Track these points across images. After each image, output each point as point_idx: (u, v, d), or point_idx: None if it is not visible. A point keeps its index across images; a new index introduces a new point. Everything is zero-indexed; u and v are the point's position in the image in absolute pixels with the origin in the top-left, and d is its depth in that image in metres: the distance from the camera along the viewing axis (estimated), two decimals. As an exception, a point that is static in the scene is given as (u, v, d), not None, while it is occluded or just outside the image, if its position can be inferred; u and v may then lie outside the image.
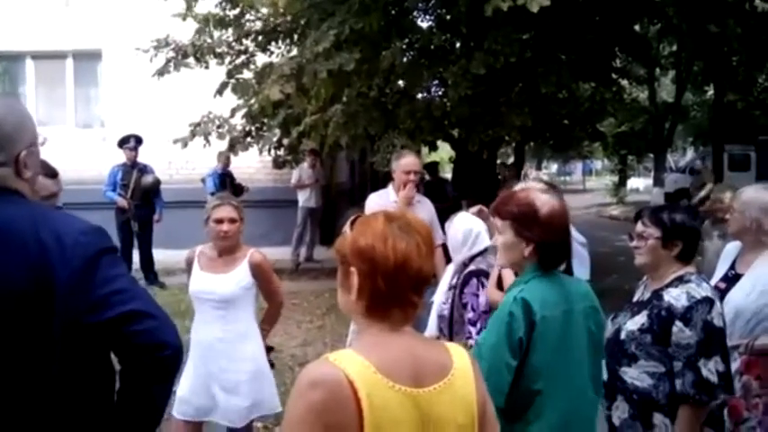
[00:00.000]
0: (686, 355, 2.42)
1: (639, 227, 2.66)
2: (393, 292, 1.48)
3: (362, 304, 1.51)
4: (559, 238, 2.29)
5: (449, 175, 15.01)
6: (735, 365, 2.90)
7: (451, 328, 3.49)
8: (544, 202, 2.30)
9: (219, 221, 3.40)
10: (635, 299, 2.74)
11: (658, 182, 18.08)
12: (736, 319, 2.93)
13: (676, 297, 2.48)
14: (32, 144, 1.69)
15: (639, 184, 34.90)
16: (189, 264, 3.56)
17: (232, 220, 3.41)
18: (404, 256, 1.48)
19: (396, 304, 1.49)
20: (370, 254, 1.49)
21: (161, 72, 9.23)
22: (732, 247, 3.34)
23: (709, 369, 2.40)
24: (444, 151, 16.56)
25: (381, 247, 1.48)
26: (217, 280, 3.41)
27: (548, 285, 2.26)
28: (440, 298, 3.65)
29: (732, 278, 3.17)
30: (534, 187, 2.79)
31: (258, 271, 3.48)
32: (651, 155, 26.69)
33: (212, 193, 9.90)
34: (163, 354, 1.57)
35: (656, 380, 2.48)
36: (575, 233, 4.14)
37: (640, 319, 2.55)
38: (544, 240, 2.24)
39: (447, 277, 3.70)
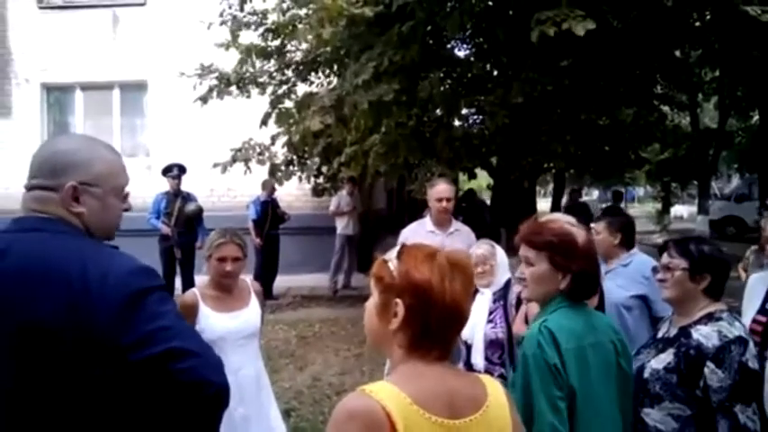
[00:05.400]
0: (719, 399, 2.21)
1: (665, 258, 2.48)
2: (441, 331, 1.46)
3: (405, 338, 1.48)
4: (595, 268, 2.20)
5: (487, 200, 14.93)
6: None
7: (512, 348, 3.52)
8: (578, 231, 2.20)
9: (223, 260, 3.22)
10: (659, 335, 2.54)
11: (702, 209, 17.64)
12: None
13: (706, 336, 2.28)
14: (96, 185, 1.64)
15: (683, 211, 34.12)
16: (191, 308, 3.19)
17: (236, 259, 3.24)
18: (459, 297, 1.46)
19: (440, 343, 1.48)
20: (425, 290, 1.44)
21: (204, 99, 9.43)
22: (757, 280, 3.25)
23: (747, 415, 2.20)
24: (482, 178, 16.50)
25: (439, 285, 1.44)
26: (243, 316, 3.30)
27: (574, 317, 2.12)
28: (482, 326, 3.62)
29: None
30: (560, 218, 2.59)
31: (259, 298, 3.48)
32: (695, 182, 26.16)
33: (254, 220, 10.05)
34: (207, 392, 1.52)
35: (681, 424, 2.28)
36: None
37: (666, 358, 2.35)
38: (584, 270, 2.13)
39: (483, 305, 3.68)
